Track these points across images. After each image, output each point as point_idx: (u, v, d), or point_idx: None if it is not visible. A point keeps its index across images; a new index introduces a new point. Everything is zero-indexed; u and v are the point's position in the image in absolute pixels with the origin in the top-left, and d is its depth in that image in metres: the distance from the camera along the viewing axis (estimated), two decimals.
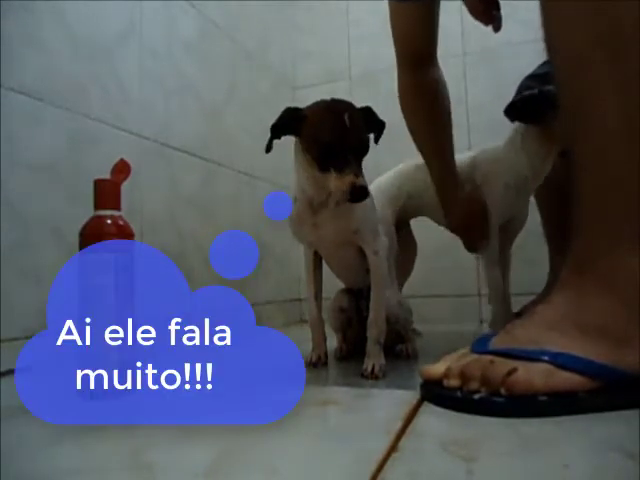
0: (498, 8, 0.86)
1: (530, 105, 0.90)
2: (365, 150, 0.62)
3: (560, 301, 0.49)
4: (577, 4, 0.48)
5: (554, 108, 0.84)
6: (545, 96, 0.87)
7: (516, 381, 0.43)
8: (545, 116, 0.88)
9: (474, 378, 0.45)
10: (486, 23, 0.87)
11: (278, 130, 0.62)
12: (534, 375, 0.44)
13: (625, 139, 0.46)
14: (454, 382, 0.46)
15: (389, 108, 1.00)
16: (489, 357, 0.47)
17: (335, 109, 0.61)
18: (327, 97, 0.64)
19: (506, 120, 1.09)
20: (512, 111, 0.93)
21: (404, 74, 0.95)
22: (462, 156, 0.99)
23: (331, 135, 0.59)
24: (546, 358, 0.44)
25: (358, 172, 0.58)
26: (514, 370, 0.44)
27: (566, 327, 0.46)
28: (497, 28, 0.87)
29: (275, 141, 0.63)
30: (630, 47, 0.46)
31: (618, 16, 0.46)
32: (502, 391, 0.43)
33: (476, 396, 0.44)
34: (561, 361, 0.44)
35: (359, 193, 0.58)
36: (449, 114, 0.96)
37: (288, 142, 0.65)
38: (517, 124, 0.95)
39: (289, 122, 0.62)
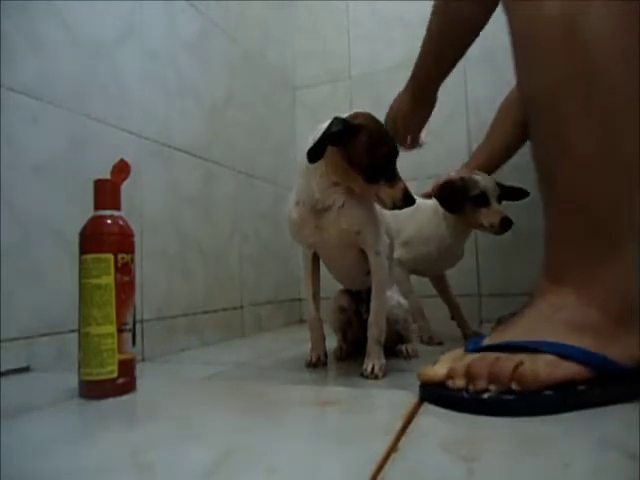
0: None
1: (449, 194, 0.94)
2: None
3: (543, 304, 0.51)
4: (548, 45, 0.52)
5: (470, 199, 0.91)
6: (463, 186, 0.92)
7: (524, 374, 0.44)
8: (463, 206, 0.92)
9: (481, 376, 0.45)
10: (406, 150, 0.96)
11: (331, 139, 0.60)
12: (540, 366, 0.44)
13: (591, 168, 0.50)
14: (460, 382, 0.46)
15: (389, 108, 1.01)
16: (494, 354, 0.47)
17: (380, 123, 0.64)
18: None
19: None
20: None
21: None
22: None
23: (387, 148, 0.62)
24: (549, 349, 0.45)
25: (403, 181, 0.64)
26: (521, 363, 0.44)
27: (554, 324, 0.48)
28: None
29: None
30: (602, 84, 0.49)
31: (590, 54, 0.50)
32: (513, 386, 0.44)
33: (485, 395, 0.44)
34: (564, 351, 0.45)
35: (410, 199, 0.63)
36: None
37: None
38: None
39: (344, 132, 0.60)
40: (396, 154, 0.64)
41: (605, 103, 0.49)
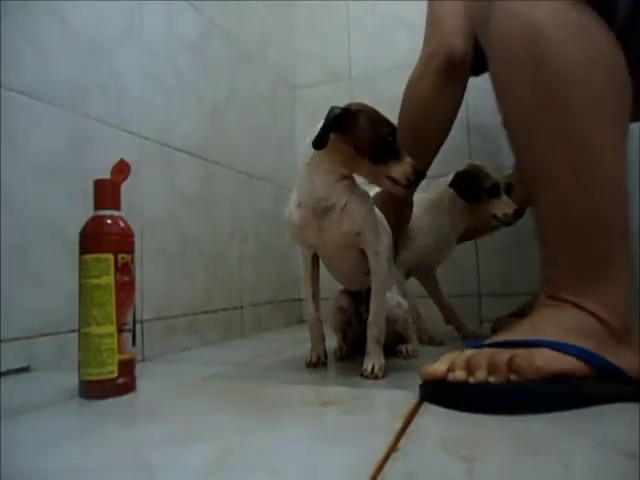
0: None
1: (466, 183, 0.94)
2: None
3: (545, 312, 0.53)
4: (514, 78, 0.55)
5: (484, 191, 0.92)
6: (477, 176, 0.93)
7: (520, 363, 0.45)
8: (479, 196, 0.93)
9: (480, 367, 0.46)
10: None
11: (333, 124, 0.61)
12: (534, 355, 0.46)
13: (571, 189, 0.52)
14: (460, 374, 0.47)
15: (389, 108, 1.00)
16: (492, 349, 0.48)
17: (374, 108, 0.65)
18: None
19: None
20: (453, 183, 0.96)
21: (432, 73, 0.90)
22: None
23: (389, 126, 0.63)
24: (549, 345, 0.47)
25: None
26: (515, 355, 0.45)
27: (553, 328, 0.49)
28: None
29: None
30: (566, 109, 0.52)
31: (551, 84, 0.52)
32: (512, 377, 0.45)
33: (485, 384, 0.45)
34: (565, 348, 0.46)
35: (420, 172, 0.64)
36: (446, 133, 0.94)
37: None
38: (448, 189, 0.97)
39: (344, 117, 0.61)
40: (395, 134, 0.65)
41: (574, 127, 0.51)
